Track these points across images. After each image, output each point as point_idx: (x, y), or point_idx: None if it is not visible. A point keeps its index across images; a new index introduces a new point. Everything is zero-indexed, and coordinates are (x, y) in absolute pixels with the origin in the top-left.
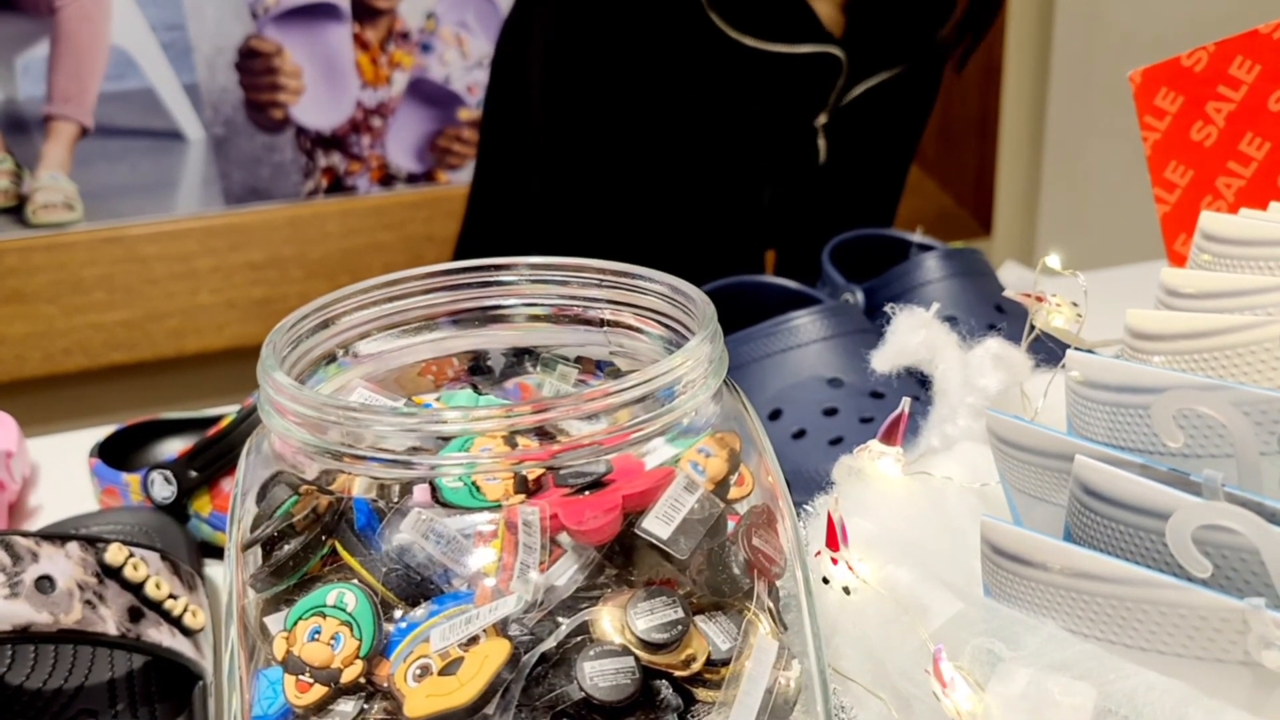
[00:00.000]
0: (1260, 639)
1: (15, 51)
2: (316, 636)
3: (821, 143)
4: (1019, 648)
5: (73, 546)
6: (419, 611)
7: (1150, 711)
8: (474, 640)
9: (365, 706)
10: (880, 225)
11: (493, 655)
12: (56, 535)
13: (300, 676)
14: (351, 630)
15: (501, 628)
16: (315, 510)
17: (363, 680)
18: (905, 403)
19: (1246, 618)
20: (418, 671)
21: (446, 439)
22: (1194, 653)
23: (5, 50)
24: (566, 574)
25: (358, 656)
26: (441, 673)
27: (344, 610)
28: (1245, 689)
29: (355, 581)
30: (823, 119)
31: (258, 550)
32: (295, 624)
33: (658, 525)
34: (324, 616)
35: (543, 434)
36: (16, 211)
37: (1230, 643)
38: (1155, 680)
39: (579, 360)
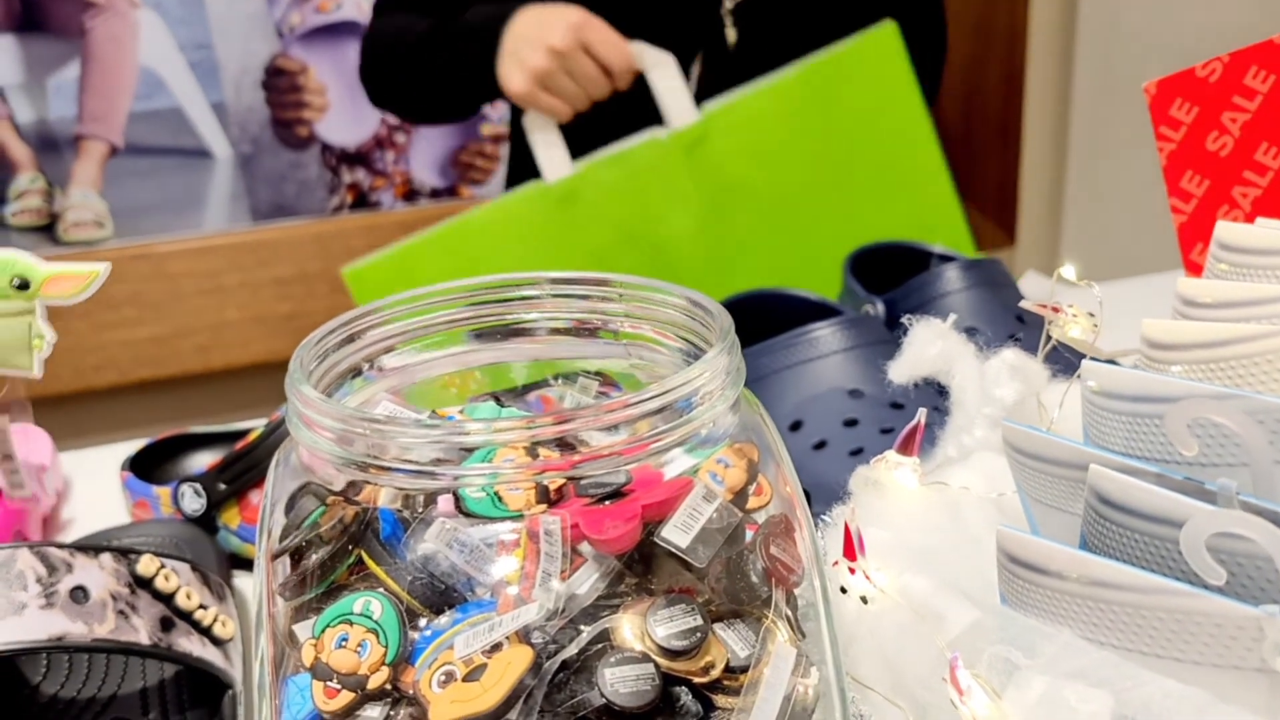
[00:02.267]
0: (1275, 646)
1: (47, 73)
2: (344, 644)
3: (730, 29)
4: (1036, 655)
5: (106, 558)
6: (443, 619)
7: (1167, 718)
8: (497, 647)
9: (391, 712)
10: None
11: (515, 662)
12: (90, 546)
13: (328, 683)
14: (378, 637)
15: (524, 635)
16: (342, 520)
17: (389, 686)
18: (921, 413)
19: (1262, 625)
20: (442, 678)
21: (470, 450)
22: (1210, 660)
23: (37, 71)
24: (588, 582)
25: (383, 663)
26: (465, 679)
27: (370, 618)
28: (1261, 696)
29: (381, 590)
30: (729, 3)
31: (286, 560)
32: (323, 631)
33: (676, 534)
34: (351, 624)
35: (564, 445)
36: (48, 229)
37: (1246, 650)
38: (1172, 687)
39: (599, 373)
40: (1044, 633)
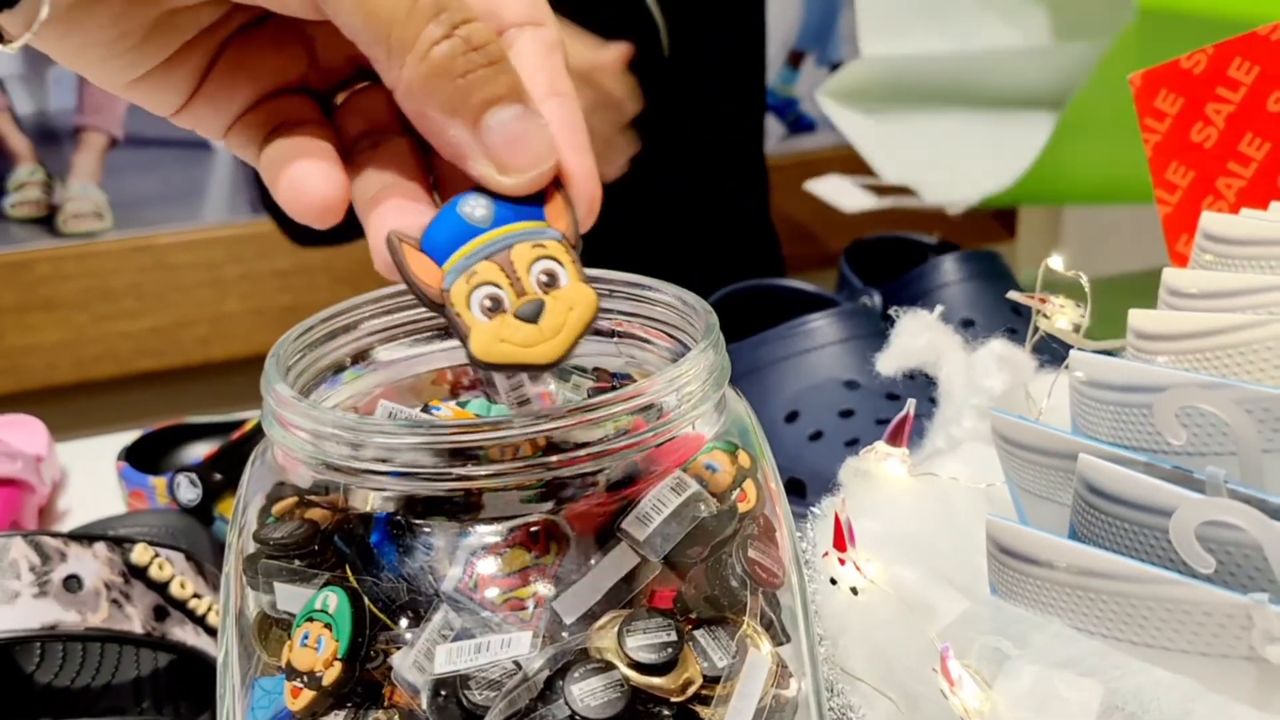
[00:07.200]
0: (1264, 634)
1: (46, 64)
2: (306, 642)
3: (659, 18)
4: (1025, 645)
5: (100, 546)
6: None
7: (1156, 707)
8: (553, 282)
9: (360, 713)
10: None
11: (579, 307)
12: (84, 535)
13: (293, 682)
14: (331, 632)
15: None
16: (316, 523)
17: (356, 687)
18: (910, 404)
19: (1250, 613)
20: (487, 303)
21: (450, 452)
22: (1199, 649)
23: (37, 63)
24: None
25: (336, 658)
26: (518, 315)
27: (325, 613)
28: (1250, 684)
29: (342, 583)
30: None
31: (259, 561)
32: (295, 631)
33: (636, 526)
34: (312, 620)
35: (549, 446)
36: (48, 221)
37: (1235, 638)
38: (1161, 676)
39: (596, 370)
40: (1034, 622)
